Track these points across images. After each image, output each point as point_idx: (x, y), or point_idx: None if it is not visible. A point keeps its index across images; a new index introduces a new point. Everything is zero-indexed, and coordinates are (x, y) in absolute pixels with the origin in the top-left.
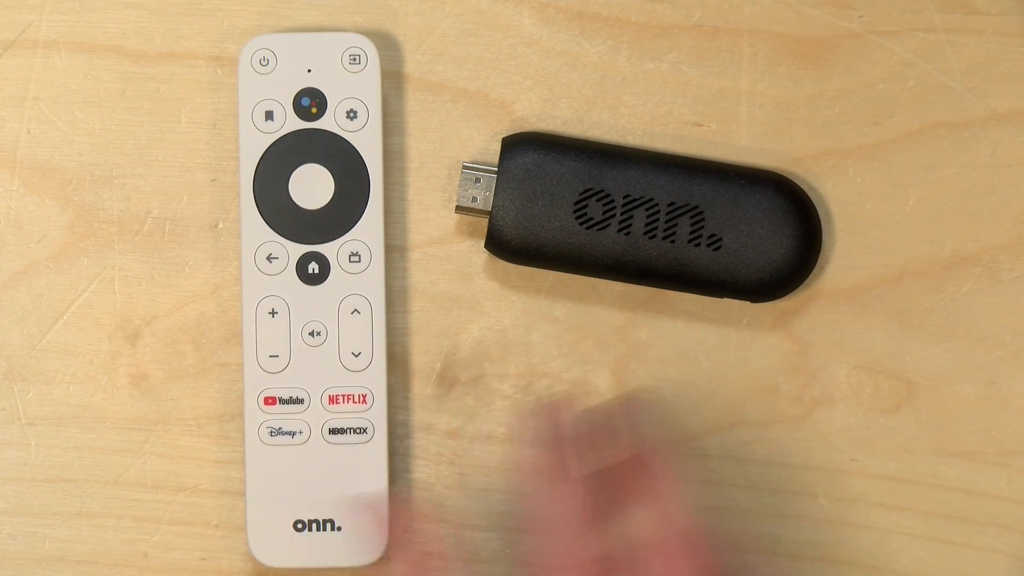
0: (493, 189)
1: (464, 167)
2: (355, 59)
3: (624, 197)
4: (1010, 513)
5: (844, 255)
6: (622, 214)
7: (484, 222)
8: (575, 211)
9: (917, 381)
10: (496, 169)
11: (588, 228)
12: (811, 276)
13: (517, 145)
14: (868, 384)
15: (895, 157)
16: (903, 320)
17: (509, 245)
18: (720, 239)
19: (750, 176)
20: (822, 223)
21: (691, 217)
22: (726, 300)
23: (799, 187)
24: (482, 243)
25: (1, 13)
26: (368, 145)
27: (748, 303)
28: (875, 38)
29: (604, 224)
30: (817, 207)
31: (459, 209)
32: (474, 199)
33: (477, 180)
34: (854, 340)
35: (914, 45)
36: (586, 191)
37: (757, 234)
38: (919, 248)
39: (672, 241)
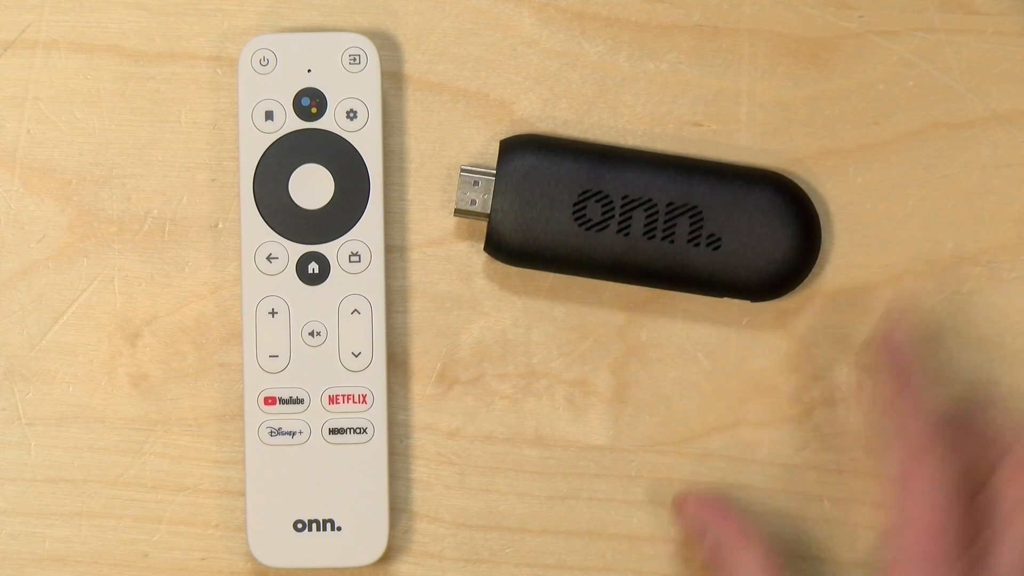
0: (492, 192)
1: (462, 170)
2: (355, 59)
3: (623, 198)
4: None
5: (844, 255)
6: (621, 215)
7: (483, 225)
8: (574, 213)
9: None
10: (494, 172)
11: (587, 230)
12: (811, 276)
13: (515, 148)
14: (868, 384)
15: (895, 157)
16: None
17: (508, 248)
18: (719, 239)
19: (748, 176)
20: (822, 223)
21: (690, 217)
22: (726, 300)
23: (798, 186)
24: (481, 245)
25: (1, 13)
26: (368, 145)
27: (748, 303)
28: (875, 38)
29: (603, 225)
30: (817, 207)
31: (458, 212)
32: (473, 202)
33: (475, 183)
34: (854, 340)
35: (914, 45)
36: (584, 192)
37: (756, 233)
38: (919, 248)
39: (671, 241)
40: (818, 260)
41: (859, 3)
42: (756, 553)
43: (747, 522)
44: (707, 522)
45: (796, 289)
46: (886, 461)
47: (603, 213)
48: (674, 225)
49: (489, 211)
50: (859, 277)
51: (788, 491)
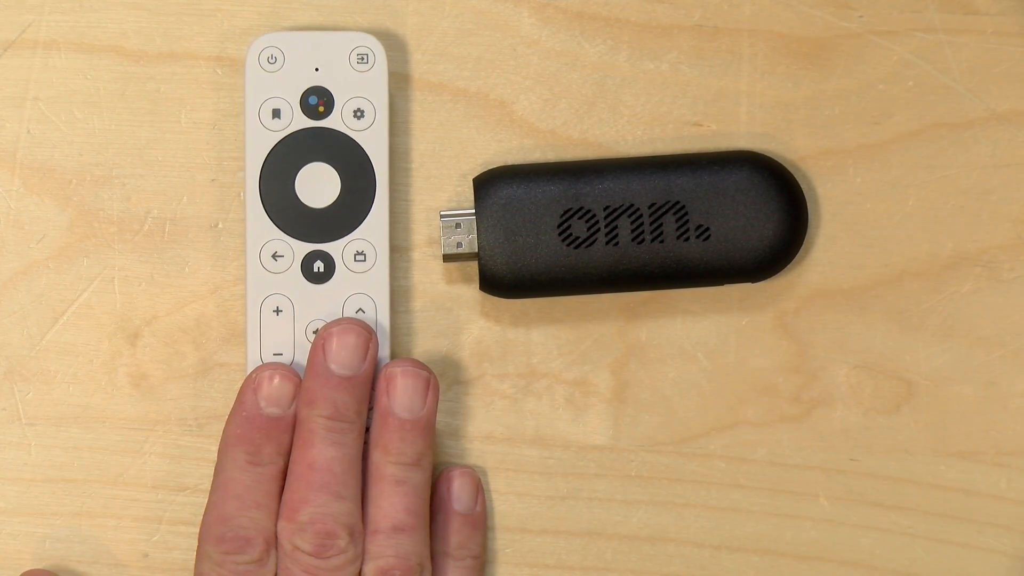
0: (475, 231)
1: (442, 215)
2: (363, 58)
3: (604, 209)
4: (1010, 513)
5: (844, 255)
6: (607, 226)
7: (474, 266)
8: (560, 233)
9: (917, 381)
10: (473, 211)
11: (576, 248)
12: (811, 276)
13: (489, 182)
14: (868, 384)
15: (895, 157)
16: (903, 320)
17: (504, 282)
18: (707, 228)
19: (722, 160)
20: (821, 223)
21: (674, 214)
22: (725, 298)
23: (771, 159)
24: (475, 286)
25: (1, 13)
26: (375, 144)
27: (751, 285)
28: (875, 38)
29: (591, 240)
30: (817, 207)
31: (447, 258)
32: (459, 244)
33: (457, 225)
34: (854, 340)
35: (914, 45)
36: (566, 212)
37: (742, 214)
38: (919, 248)
39: (661, 241)
40: (817, 260)
41: (859, 3)
42: None
43: None
44: None
45: (793, 260)
46: None
47: (588, 228)
48: (660, 224)
49: (477, 250)
50: (859, 277)
51: (787, 491)
